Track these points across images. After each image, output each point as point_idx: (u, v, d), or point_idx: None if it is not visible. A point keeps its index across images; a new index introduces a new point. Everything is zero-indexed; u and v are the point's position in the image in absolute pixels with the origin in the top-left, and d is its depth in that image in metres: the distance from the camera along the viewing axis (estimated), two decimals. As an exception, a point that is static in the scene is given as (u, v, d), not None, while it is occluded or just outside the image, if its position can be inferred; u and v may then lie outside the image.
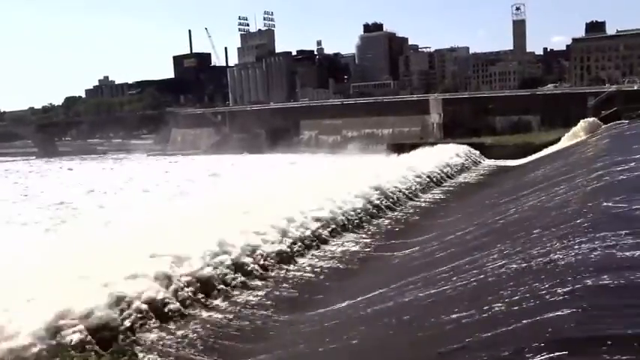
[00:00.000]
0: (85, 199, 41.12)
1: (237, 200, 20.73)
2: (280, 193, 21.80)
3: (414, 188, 27.28)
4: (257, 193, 24.76)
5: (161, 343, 10.12)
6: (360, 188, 21.96)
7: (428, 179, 30.05)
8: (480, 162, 46.00)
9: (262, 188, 28.95)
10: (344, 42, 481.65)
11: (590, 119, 53.20)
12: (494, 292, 8.97)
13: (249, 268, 13.67)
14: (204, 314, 11.51)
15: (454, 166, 37.65)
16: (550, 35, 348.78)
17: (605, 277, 7.95)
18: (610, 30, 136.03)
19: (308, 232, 16.63)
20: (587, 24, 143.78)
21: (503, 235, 13.92)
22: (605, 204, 12.83)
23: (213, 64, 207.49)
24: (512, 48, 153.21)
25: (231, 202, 20.19)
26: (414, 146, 51.54)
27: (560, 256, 9.60)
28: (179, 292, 11.57)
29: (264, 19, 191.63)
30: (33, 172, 78.39)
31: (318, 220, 17.54)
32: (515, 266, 10.11)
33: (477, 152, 48.61)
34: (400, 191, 25.21)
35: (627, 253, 8.80)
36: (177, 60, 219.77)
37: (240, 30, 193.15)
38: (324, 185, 22.85)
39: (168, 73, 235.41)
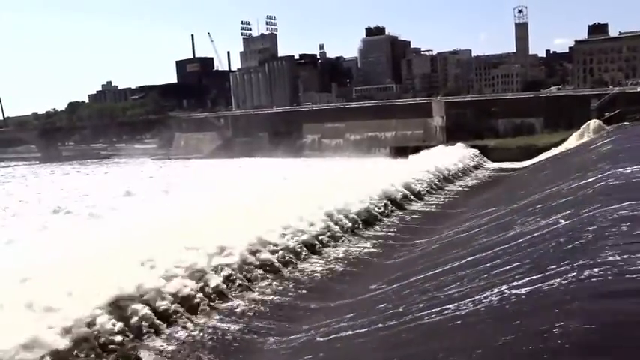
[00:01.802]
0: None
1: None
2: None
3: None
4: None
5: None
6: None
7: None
8: (483, 164, 45.99)
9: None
10: (346, 46, 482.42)
11: (594, 121, 53.08)
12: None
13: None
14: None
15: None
16: (552, 38, 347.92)
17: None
18: (612, 32, 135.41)
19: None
20: (589, 26, 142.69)
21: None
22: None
23: (215, 68, 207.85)
24: (514, 51, 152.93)
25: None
26: (416, 149, 51.62)
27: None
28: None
29: (267, 23, 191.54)
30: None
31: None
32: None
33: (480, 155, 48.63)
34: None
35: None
36: (180, 64, 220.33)
37: (242, 34, 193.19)
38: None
39: (171, 77, 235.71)
